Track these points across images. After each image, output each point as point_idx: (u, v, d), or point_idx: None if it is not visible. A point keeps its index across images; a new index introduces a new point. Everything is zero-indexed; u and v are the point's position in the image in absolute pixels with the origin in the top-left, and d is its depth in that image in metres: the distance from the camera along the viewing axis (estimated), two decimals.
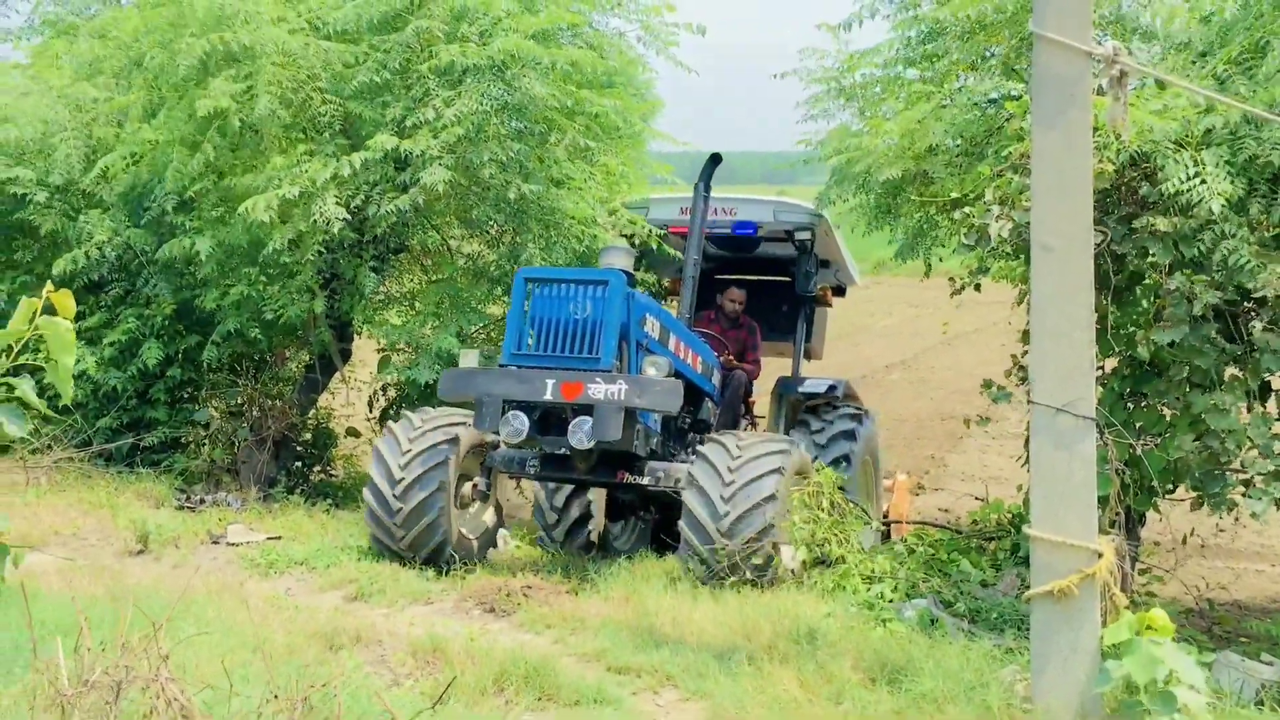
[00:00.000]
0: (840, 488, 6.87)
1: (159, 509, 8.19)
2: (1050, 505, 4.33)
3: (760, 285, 9.58)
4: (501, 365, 6.63)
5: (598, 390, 6.25)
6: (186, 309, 9.49)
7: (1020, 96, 6.34)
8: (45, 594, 5.22)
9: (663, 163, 10.45)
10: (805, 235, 8.67)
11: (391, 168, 8.37)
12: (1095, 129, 4.66)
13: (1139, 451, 5.63)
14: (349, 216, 8.06)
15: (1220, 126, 5.33)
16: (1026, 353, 5.36)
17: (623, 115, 8.90)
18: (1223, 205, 5.15)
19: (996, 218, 5.60)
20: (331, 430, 10.38)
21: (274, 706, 3.28)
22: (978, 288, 6.63)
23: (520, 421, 6.36)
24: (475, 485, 7.03)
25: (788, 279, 9.41)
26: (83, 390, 9.09)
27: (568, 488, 8.08)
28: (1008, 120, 6.22)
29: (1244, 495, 5.77)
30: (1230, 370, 5.83)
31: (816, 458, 7.70)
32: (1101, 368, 6.04)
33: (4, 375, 2.68)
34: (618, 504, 8.22)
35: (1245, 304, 5.65)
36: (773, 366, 9.43)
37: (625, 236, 8.71)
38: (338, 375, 10.13)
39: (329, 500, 8.89)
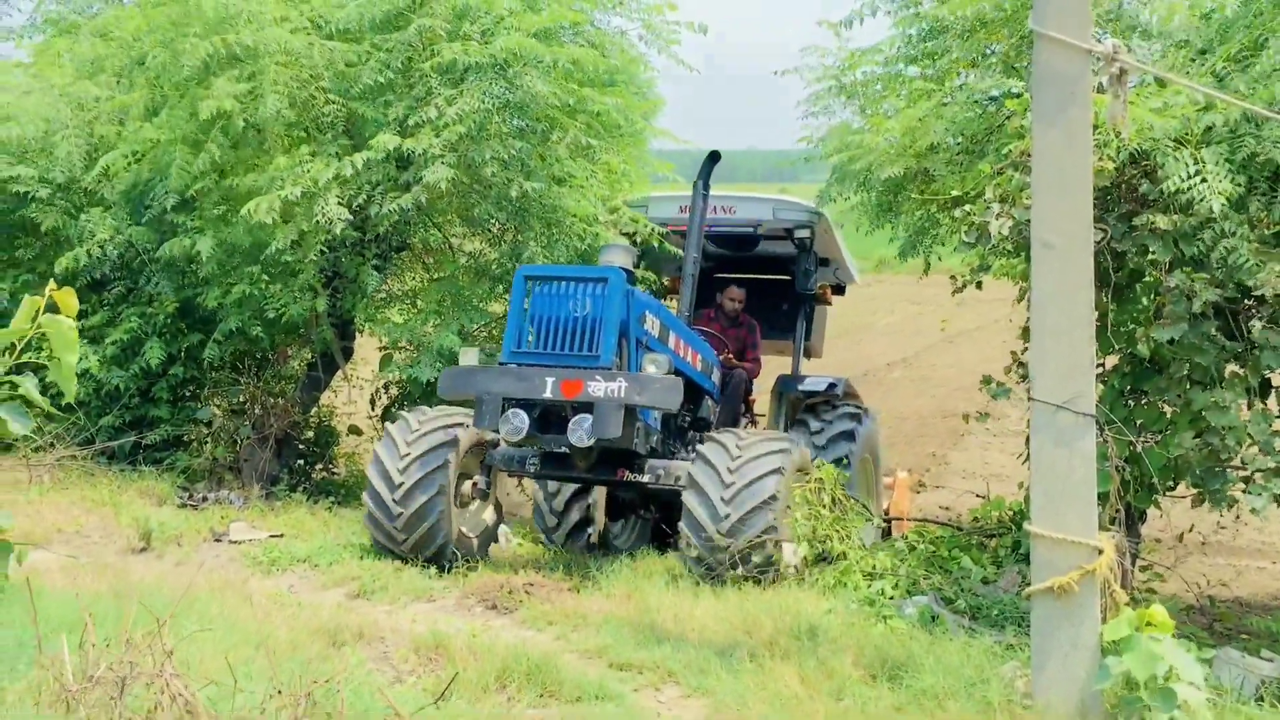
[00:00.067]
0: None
1: (161, 507, 8.21)
2: (1050, 502, 4.34)
3: (760, 284, 9.59)
4: (501, 363, 6.62)
5: (597, 388, 6.24)
6: (188, 307, 9.51)
7: (1021, 94, 6.35)
8: (49, 591, 5.23)
9: (664, 161, 10.46)
10: (804, 233, 8.68)
11: (393, 167, 8.38)
12: (1095, 127, 4.66)
13: (1139, 448, 5.64)
14: (351, 217, 8.08)
15: (1220, 124, 5.33)
16: (1027, 350, 5.36)
17: (624, 113, 8.91)
18: (1223, 204, 5.16)
19: (997, 215, 5.60)
20: (333, 428, 10.40)
21: (278, 702, 3.29)
22: (979, 285, 6.63)
23: (520, 419, 6.35)
24: (475, 484, 7.00)
25: (787, 277, 9.42)
26: (85, 389, 9.11)
27: (568, 491, 8.08)
28: (1008, 118, 6.22)
29: (1244, 492, 5.78)
30: (1230, 367, 5.84)
31: (815, 459, 7.70)
32: (1102, 365, 6.06)
33: (7, 373, 2.69)
34: (618, 503, 8.23)
35: (1245, 301, 5.65)
36: (773, 365, 9.44)
37: (627, 235, 8.72)
38: (340, 373, 10.16)
39: (331, 498, 8.91)
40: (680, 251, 8.35)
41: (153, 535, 7.23)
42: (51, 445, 8.88)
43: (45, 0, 11.30)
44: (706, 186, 8.06)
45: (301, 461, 9.87)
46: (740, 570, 6.11)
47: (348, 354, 10.02)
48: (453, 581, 6.45)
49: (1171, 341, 5.55)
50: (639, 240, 8.68)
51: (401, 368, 8.92)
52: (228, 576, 6.41)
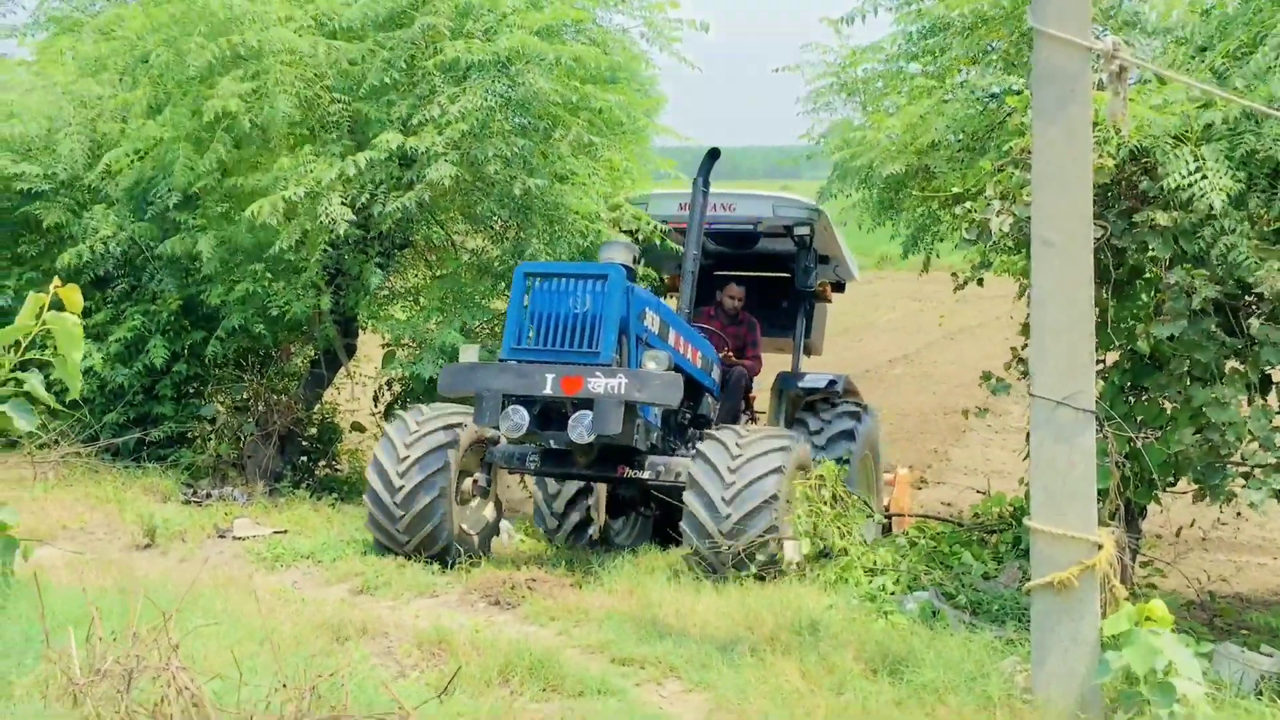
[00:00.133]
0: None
1: (165, 503, 8.23)
2: (1051, 498, 4.35)
3: (760, 281, 9.59)
4: (501, 360, 6.63)
5: (597, 384, 6.24)
6: (192, 305, 9.53)
7: (1021, 91, 6.36)
8: (55, 586, 5.24)
9: (666, 158, 10.47)
10: (804, 230, 8.67)
11: (396, 165, 8.39)
12: (1095, 124, 4.68)
13: (1139, 444, 5.66)
14: (354, 217, 8.09)
15: (1220, 121, 5.34)
16: (1027, 346, 5.38)
17: (626, 111, 8.93)
18: (1223, 200, 5.17)
19: (997, 212, 5.62)
20: (337, 425, 10.42)
21: (282, 696, 3.32)
22: (980, 282, 6.65)
23: (520, 416, 6.33)
24: (475, 481, 6.98)
25: (787, 275, 9.42)
26: (89, 386, 9.13)
27: (568, 493, 8.09)
28: (1009, 115, 6.24)
29: (1244, 487, 5.80)
30: (1230, 363, 5.86)
31: (816, 458, 7.70)
32: (1102, 361, 6.07)
33: (12, 370, 2.71)
34: (618, 500, 8.23)
35: (1245, 298, 5.67)
36: (773, 362, 9.46)
37: (628, 232, 8.72)
38: (343, 370, 10.18)
39: (334, 494, 8.93)
40: (680, 249, 8.36)
41: (157, 531, 7.26)
42: (56, 442, 8.90)
43: None
44: (706, 184, 8.06)
45: (305, 458, 9.90)
46: (743, 568, 6.13)
47: (351, 351, 10.04)
48: (455, 577, 6.47)
49: (1171, 338, 5.56)
50: (640, 237, 8.67)
51: (404, 365, 8.94)
52: (232, 572, 6.43)
